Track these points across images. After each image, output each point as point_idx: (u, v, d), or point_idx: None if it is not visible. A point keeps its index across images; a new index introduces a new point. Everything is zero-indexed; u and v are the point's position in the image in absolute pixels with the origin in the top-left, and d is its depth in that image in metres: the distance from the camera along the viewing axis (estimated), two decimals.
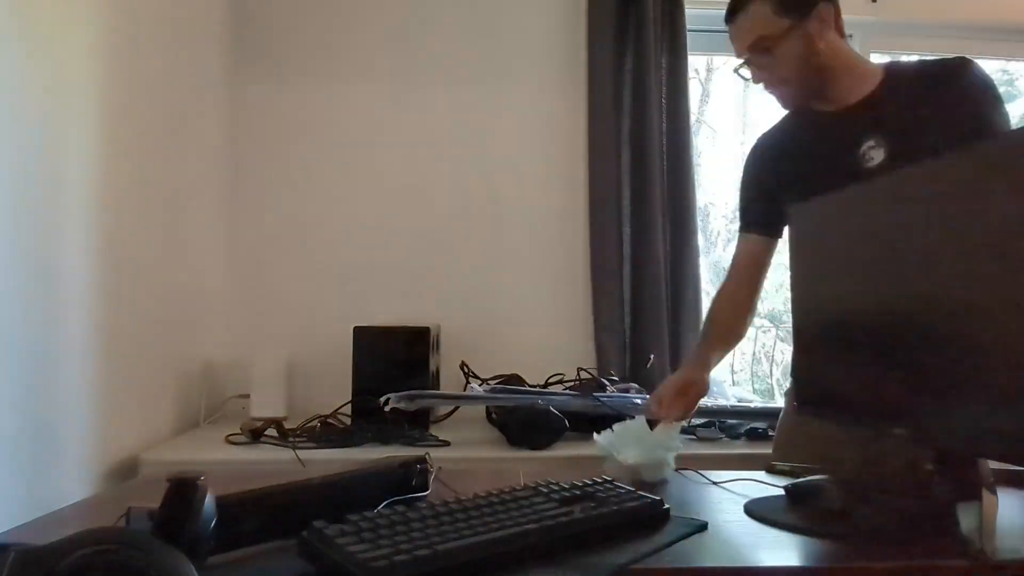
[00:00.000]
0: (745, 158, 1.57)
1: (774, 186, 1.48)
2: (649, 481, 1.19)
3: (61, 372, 1.42)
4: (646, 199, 2.32)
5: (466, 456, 1.72)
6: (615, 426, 1.29)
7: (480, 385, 2.14)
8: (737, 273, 1.55)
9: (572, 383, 2.06)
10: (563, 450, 1.78)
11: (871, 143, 1.33)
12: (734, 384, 2.55)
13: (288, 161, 2.36)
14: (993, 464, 0.87)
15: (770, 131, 1.54)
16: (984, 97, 1.28)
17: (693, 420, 1.98)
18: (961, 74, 1.29)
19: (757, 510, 1.01)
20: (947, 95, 1.28)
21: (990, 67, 3.31)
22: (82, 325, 1.49)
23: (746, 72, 1.41)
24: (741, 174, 1.57)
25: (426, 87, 2.39)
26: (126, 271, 1.67)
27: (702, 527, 0.93)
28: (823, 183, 1.18)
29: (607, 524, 0.88)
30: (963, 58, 1.31)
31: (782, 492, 1.07)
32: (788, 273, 1.23)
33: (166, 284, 1.90)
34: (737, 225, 1.57)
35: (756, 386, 2.62)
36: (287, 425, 1.88)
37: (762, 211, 1.51)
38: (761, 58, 1.37)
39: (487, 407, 2.03)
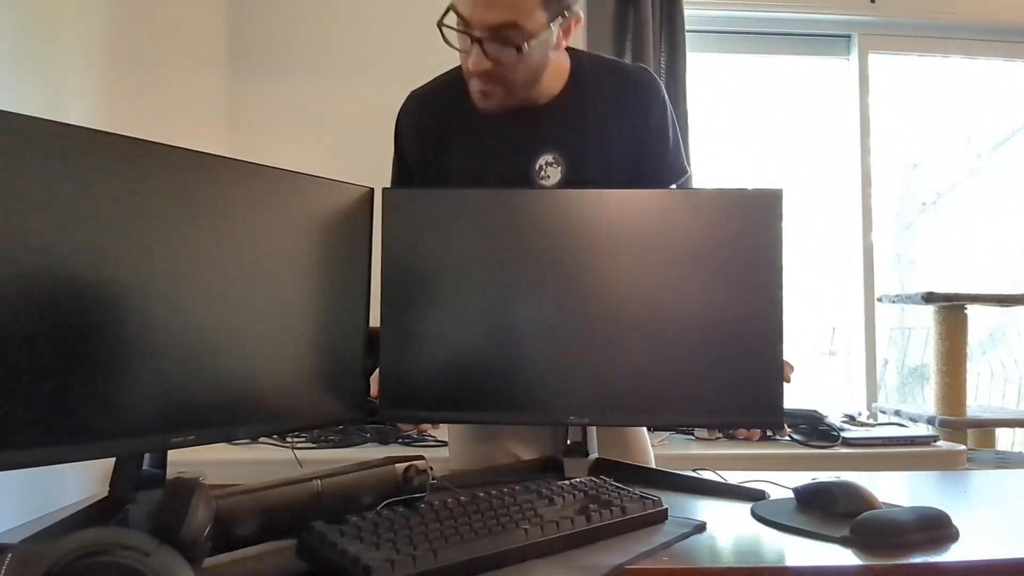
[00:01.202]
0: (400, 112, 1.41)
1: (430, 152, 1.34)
2: None
3: None
4: None
5: None
6: None
7: None
8: None
9: None
10: None
11: (549, 159, 1.25)
12: None
13: (287, 161, 2.35)
14: None
15: (437, 91, 1.35)
16: (664, 111, 1.27)
17: None
18: (647, 83, 1.27)
19: (764, 513, 1.00)
20: (632, 99, 1.25)
21: (990, 67, 3.30)
22: None
23: (459, 39, 1.15)
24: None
25: None
26: None
27: (700, 527, 0.93)
28: (492, 181, 1.21)
29: (606, 524, 0.88)
30: (646, 69, 1.31)
31: (791, 495, 1.05)
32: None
33: None
34: None
35: None
36: None
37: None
38: (499, 47, 1.11)
39: None
